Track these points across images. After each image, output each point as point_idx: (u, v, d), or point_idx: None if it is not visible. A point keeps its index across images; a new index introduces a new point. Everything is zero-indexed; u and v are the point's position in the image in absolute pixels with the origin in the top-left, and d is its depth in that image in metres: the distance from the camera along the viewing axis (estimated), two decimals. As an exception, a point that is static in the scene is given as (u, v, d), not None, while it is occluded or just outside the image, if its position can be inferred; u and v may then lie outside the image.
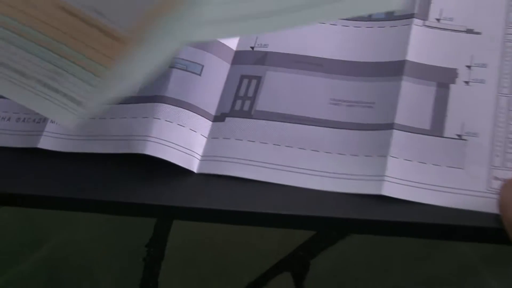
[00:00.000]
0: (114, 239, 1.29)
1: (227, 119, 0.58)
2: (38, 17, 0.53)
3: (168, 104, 0.58)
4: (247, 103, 0.59)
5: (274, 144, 0.54)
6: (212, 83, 0.61)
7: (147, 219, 1.29)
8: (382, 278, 1.22)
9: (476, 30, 0.58)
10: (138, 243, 1.27)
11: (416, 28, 0.59)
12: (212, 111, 0.59)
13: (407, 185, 0.49)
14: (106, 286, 1.25)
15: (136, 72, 0.50)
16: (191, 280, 1.24)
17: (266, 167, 0.53)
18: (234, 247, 1.27)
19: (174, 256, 1.27)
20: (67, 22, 0.54)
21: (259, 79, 0.60)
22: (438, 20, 0.60)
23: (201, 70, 0.60)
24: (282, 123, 0.55)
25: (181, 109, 0.58)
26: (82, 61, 0.53)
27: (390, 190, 0.49)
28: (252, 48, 0.63)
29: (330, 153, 0.52)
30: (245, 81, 0.60)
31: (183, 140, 0.56)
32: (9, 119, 0.61)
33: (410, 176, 0.49)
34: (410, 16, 0.60)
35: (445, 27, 0.59)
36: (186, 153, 0.55)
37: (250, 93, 0.60)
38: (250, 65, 0.61)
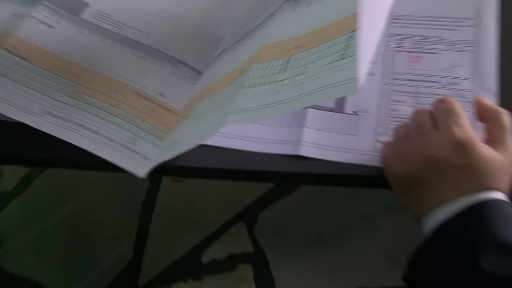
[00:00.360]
0: (118, 200, 1.30)
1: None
2: (120, 98, 0.56)
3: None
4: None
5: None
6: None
7: (141, 185, 1.30)
8: (308, 225, 1.22)
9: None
10: (135, 203, 1.28)
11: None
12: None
13: (318, 148, 0.50)
14: (112, 234, 1.25)
15: (186, 138, 0.50)
16: (173, 229, 1.25)
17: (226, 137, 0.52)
18: (204, 205, 1.26)
19: (161, 211, 1.27)
20: (140, 102, 0.56)
21: None
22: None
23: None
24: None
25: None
26: (150, 129, 0.55)
27: (306, 151, 0.50)
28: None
29: (262, 125, 0.53)
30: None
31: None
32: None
33: (320, 141, 0.50)
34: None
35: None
36: None
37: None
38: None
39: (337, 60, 0.45)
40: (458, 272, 0.40)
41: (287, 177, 0.53)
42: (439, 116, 0.43)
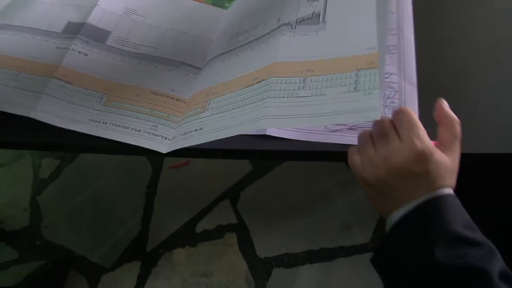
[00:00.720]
0: (128, 184, 1.42)
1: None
2: (141, 99, 0.61)
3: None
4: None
5: None
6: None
7: (146, 171, 1.39)
8: (279, 200, 1.33)
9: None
10: (142, 186, 1.40)
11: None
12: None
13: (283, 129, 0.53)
14: (124, 210, 1.37)
15: (211, 129, 0.53)
16: (171, 206, 1.36)
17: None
18: (197, 186, 1.37)
19: (162, 192, 1.39)
20: (156, 98, 0.61)
21: None
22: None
23: None
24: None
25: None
26: (166, 117, 0.59)
27: (271, 131, 0.53)
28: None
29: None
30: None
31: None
32: None
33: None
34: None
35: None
36: None
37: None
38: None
39: (351, 92, 0.46)
40: (415, 262, 0.40)
41: (256, 153, 0.55)
42: (400, 127, 0.42)
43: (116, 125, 0.58)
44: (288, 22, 0.57)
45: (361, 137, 0.46)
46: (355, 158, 0.46)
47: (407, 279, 0.41)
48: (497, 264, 0.38)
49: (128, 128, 0.57)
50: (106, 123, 0.58)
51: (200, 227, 1.32)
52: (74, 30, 0.65)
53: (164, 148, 0.55)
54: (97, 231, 1.34)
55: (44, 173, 1.47)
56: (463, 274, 0.37)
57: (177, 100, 0.60)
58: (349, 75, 0.48)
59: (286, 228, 1.28)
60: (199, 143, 0.52)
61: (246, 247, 1.27)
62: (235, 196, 1.36)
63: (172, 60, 0.64)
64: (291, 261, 1.23)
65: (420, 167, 0.41)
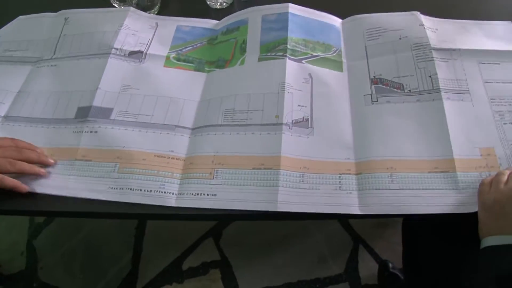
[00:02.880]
0: (118, 226, 1.46)
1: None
2: (147, 162, 0.66)
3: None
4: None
5: None
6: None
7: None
8: (259, 237, 1.39)
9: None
10: (131, 227, 1.45)
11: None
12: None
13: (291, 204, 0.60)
14: (116, 251, 1.41)
15: (223, 197, 0.62)
16: (159, 246, 1.41)
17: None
18: (182, 227, 1.43)
19: (150, 233, 1.44)
20: (159, 160, 0.66)
21: None
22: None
23: None
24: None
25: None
26: (171, 175, 0.65)
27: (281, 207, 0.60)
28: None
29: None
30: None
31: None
32: None
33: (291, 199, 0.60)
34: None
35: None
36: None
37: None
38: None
39: (337, 190, 0.60)
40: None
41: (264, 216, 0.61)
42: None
43: (131, 189, 0.64)
44: (286, 123, 0.67)
45: (496, 176, 0.56)
46: (485, 187, 0.55)
47: None
48: None
49: (141, 190, 0.63)
50: (122, 189, 0.64)
51: (186, 264, 1.37)
52: (84, 113, 0.72)
53: (173, 202, 0.62)
54: (90, 271, 1.37)
55: (39, 218, 1.50)
56: None
57: (177, 159, 0.67)
58: (335, 176, 0.61)
59: (266, 262, 1.35)
60: (213, 207, 0.61)
61: (230, 282, 1.33)
62: (218, 234, 1.42)
63: (166, 124, 0.70)
64: (272, 294, 1.28)
65: None
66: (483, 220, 0.54)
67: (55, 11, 0.90)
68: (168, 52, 0.81)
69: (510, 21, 0.80)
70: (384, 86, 0.71)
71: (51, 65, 0.82)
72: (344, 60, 0.76)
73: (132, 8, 0.87)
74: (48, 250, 1.44)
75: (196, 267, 1.36)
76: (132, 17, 0.86)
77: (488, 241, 0.52)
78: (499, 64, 0.71)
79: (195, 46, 0.83)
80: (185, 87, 0.76)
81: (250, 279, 1.33)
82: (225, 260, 1.37)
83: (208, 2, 0.90)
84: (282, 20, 0.80)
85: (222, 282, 1.33)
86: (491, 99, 0.68)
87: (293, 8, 0.82)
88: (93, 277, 1.37)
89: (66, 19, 0.88)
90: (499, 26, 0.79)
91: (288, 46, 0.76)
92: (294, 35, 0.78)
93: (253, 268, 1.34)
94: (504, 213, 0.52)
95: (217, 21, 0.86)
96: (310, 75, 0.73)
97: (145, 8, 0.88)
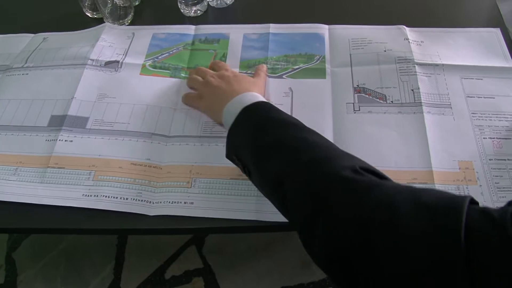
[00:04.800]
0: (100, 236, 1.43)
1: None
2: (123, 170, 0.67)
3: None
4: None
5: None
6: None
7: None
8: (242, 244, 1.38)
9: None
10: (113, 238, 1.45)
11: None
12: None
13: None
14: (98, 261, 1.40)
15: (203, 206, 0.62)
16: (141, 255, 1.41)
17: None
18: (164, 237, 1.40)
19: (132, 242, 1.44)
20: (136, 169, 0.67)
21: None
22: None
23: None
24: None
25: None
26: (148, 183, 0.65)
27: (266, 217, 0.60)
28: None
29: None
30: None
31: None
32: None
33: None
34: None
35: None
36: None
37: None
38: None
39: None
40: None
41: (241, 228, 0.62)
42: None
43: (106, 196, 0.64)
44: None
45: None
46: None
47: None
48: None
49: (117, 198, 0.64)
50: (97, 196, 0.64)
51: (169, 273, 1.37)
52: (58, 122, 0.73)
53: (151, 211, 0.62)
54: (71, 283, 1.37)
55: (19, 230, 1.48)
56: None
57: (154, 167, 0.67)
58: None
59: (249, 269, 1.36)
60: (191, 215, 0.61)
61: None
62: (200, 241, 1.43)
63: (143, 132, 0.71)
64: (255, 300, 1.28)
65: None
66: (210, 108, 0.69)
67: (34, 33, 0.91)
68: (144, 60, 0.82)
69: (499, 28, 0.81)
70: (367, 96, 0.72)
71: (22, 74, 0.82)
72: (327, 65, 0.78)
73: (108, 24, 0.88)
74: (28, 263, 1.42)
75: (179, 276, 1.36)
76: (109, 32, 0.87)
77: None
78: (481, 79, 0.73)
79: (171, 52, 0.83)
80: (162, 94, 0.76)
81: (233, 286, 1.33)
82: (208, 268, 1.37)
83: (182, 10, 0.91)
84: (263, 40, 0.83)
85: (205, 290, 1.32)
86: (472, 113, 0.69)
87: (274, 28, 0.85)
88: (74, 289, 1.36)
89: (44, 38, 0.89)
90: (487, 33, 0.81)
91: (268, 65, 0.79)
92: (274, 54, 0.81)
93: (236, 275, 1.35)
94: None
95: (194, 26, 0.87)
96: (290, 88, 0.75)
97: (118, 18, 0.89)
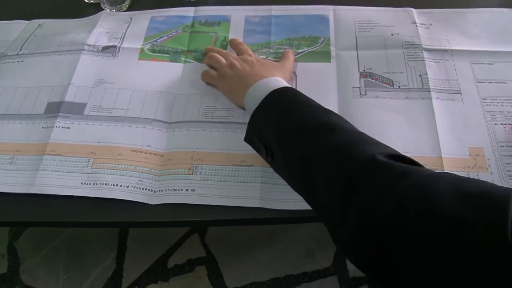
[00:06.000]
0: None
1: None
2: (123, 157, 0.65)
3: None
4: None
5: None
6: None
7: None
8: (245, 233, 1.40)
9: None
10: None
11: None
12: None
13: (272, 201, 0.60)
14: (100, 250, 1.41)
15: (206, 193, 0.61)
16: (144, 243, 1.42)
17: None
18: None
19: (134, 231, 1.44)
20: (136, 155, 0.66)
21: None
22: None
23: None
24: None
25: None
26: (149, 170, 0.64)
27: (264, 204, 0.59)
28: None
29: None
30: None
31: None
32: None
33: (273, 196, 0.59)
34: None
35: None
36: None
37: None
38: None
39: None
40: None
41: (245, 221, 0.60)
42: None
43: (106, 184, 0.63)
44: None
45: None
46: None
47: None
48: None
49: (117, 185, 0.62)
50: (96, 184, 0.63)
51: (171, 262, 1.37)
52: (55, 109, 0.71)
53: (153, 200, 0.61)
54: (73, 272, 1.37)
55: (20, 219, 1.50)
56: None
57: (155, 154, 0.66)
58: None
59: (252, 258, 1.36)
60: (192, 202, 0.60)
61: (216, 278, 1.34)
62: (203, 230, 1.42)
63: (143, 118, 0.70)
64: (259, 289, 1.29)
65: None
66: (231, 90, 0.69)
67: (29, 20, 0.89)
68: (143, 44, 0.80)
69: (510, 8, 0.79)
70: (374, 81, 0.71)
71: (18, 61, 0.80)
72: (332, 48, 0.76)
73: (106, 11, 0.87)
74: (30, 252, 1.43)
75: (182, 265, 1.37)
76: (106, 19, 0.86)
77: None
78: (492, 64, 0.71)
79: (170, 35, 0.81)
80: (161, 80, 0.75)
81: (236, 275, 1.33)
82: (211, 257, 1.37)
83: (181, -6, 0.88)
84: (265, 24, 0.81)
85: (208, 279, 1.34)
86: (483, 99, 0.68)
87: (276, 10, 0.82)
88: (77, 277, 1.37)
89: (39, 24, 0.87)
90: (500, 13, 0.78)
91: (271, 50, 0.77)
92: (277, 37, 0.79)
93: (239, 264, 1.35)
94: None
95: (193, 8, 0.85)
96: (294, 72, 0.73)
97: (115, 3, 0.87)
